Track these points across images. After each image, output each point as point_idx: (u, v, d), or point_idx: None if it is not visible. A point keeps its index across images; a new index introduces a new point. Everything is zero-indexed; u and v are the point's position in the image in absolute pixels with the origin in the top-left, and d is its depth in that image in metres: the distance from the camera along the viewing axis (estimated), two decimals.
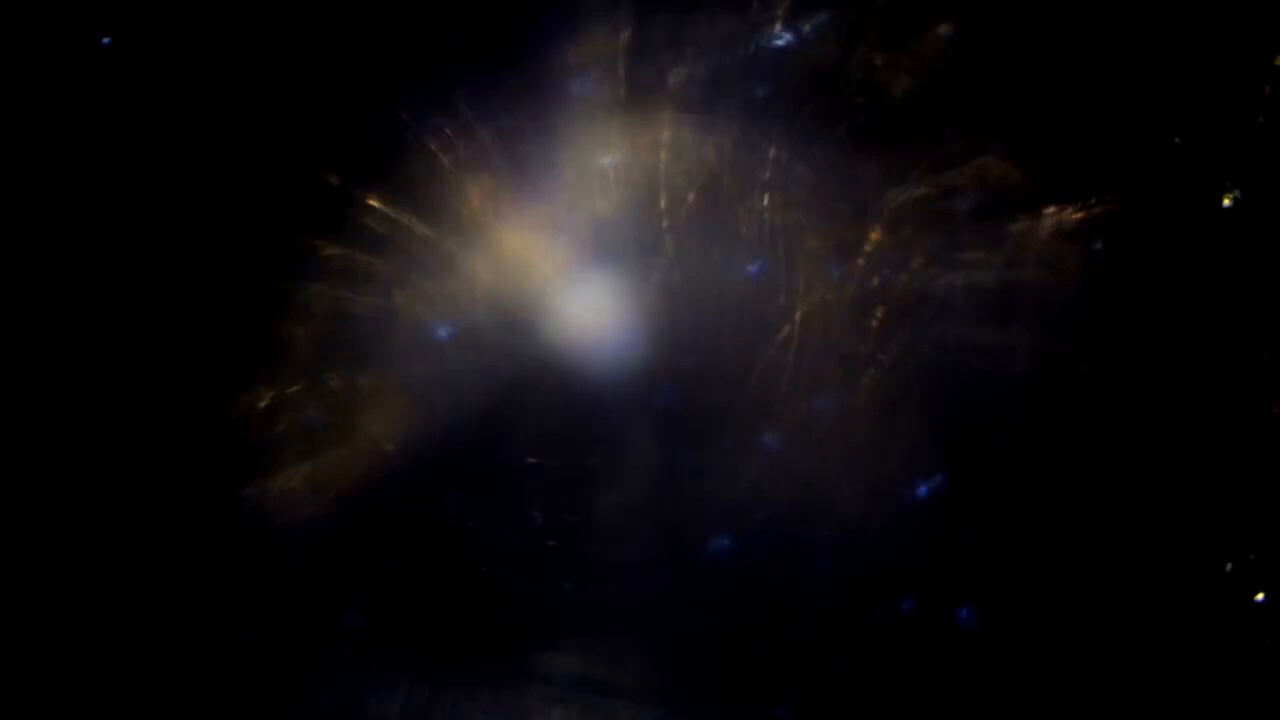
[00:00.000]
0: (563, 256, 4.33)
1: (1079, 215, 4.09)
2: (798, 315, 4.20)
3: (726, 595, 4.15)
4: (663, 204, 4.29)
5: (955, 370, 4.08)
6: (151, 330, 4.40)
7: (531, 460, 4.31)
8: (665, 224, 4.29)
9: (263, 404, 4.30)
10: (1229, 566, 3.93)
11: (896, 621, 4.10)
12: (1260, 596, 3.86)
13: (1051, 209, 4.11)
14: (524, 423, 4.30)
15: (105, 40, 4.43)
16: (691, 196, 4.27)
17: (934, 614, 4.06)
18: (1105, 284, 4.10)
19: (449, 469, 4.31)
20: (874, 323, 4.16)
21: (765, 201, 4.24)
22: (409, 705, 4.24)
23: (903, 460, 4.07)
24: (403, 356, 4.34)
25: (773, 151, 4.22)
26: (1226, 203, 4.02)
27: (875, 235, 4.16)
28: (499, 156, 4.35)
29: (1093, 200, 4.10)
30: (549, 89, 4.33)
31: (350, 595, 4.30)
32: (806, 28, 4.21)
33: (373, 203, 4.36)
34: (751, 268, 4.24)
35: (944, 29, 4.15)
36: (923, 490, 4.07)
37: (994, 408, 4.07)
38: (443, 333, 4.35)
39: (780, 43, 4.22)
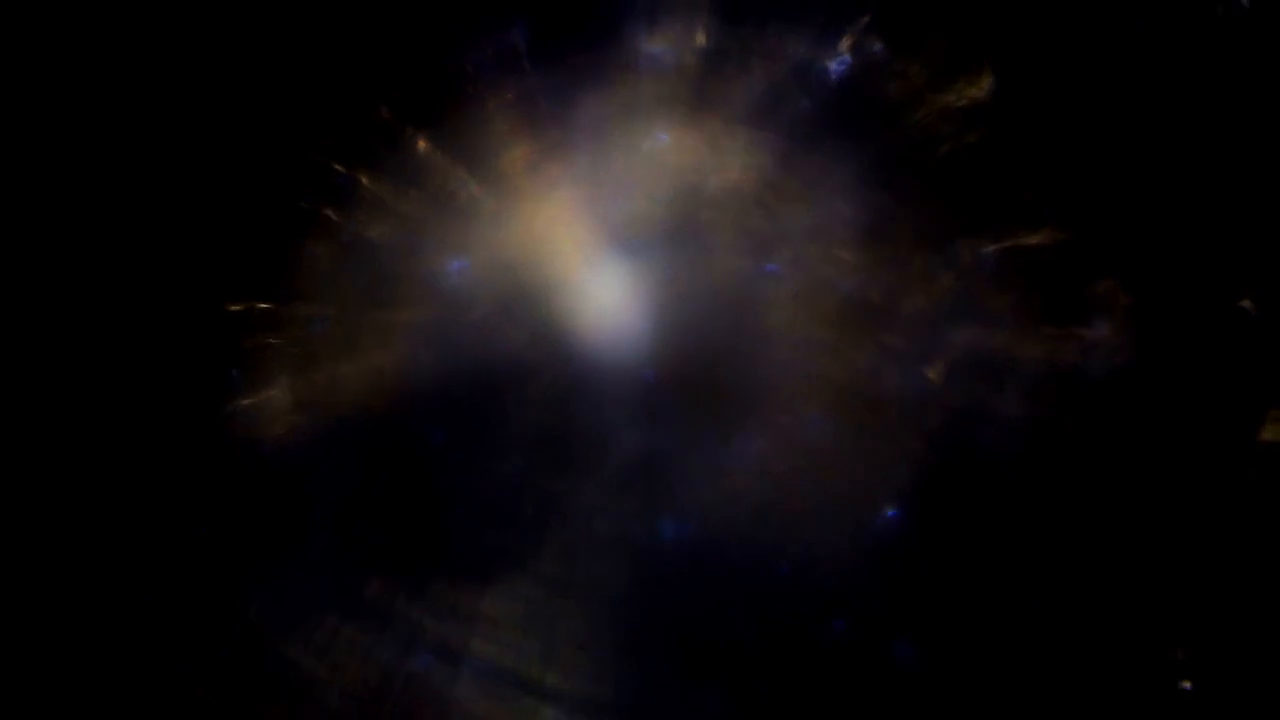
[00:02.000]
0: (589, 233, 4.38)
1: (1104, 289, 4.17)
2: (805, 336, 4.28)
3: (685, 585, 4.23)
4: (696, 204, 4.35)
5: (945, 418, 4.17)
6: (168, 227, 4.44)
7: (517, 422, 4.36)
8: (694, 223, 4.35)
9: (264, 307, 4.34)
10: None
11: (839, 633, 4.18)
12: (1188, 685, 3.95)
13: (1079, 283, 4.19)
14: (517, 384, 4.35)
15: None
16: (726, 201, 4.33)
17: (873, 635, 4.16)
18: (1117, 364, 4.18)
19: (435, 408, 4.35)
20: (876, 358, 4.24)
21: (795, 221, 4.31)
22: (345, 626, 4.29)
23: (872, 488, 4.16)
24: (414, 295, 4.38)
25: (814, 174, 4.29)
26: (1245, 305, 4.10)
27: (898, 277, 4.23)
28: (553, 126, 4.39)
29: (1120, 281, 4.18)
30: (615, 72, 4.38)
31: (319, 508, 4.34)
32: (870, 59, 4.28)
33: (421, 144, 4.40)
34: (768, 284, 4.31)
35: (999, 89, 4.22)
36: (885, 518, 4.15)
37: (978, 455, 4.16)
38: (457, 282, 4.39)
39: (842, 69, 4.29)
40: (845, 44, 4.30)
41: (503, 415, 4.39)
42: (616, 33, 4.39)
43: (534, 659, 4.26)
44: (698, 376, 4.35)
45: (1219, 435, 4.09)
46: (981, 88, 4.23)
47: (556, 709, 4.23)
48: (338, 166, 4.39)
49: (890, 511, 4.14)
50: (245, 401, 4.36)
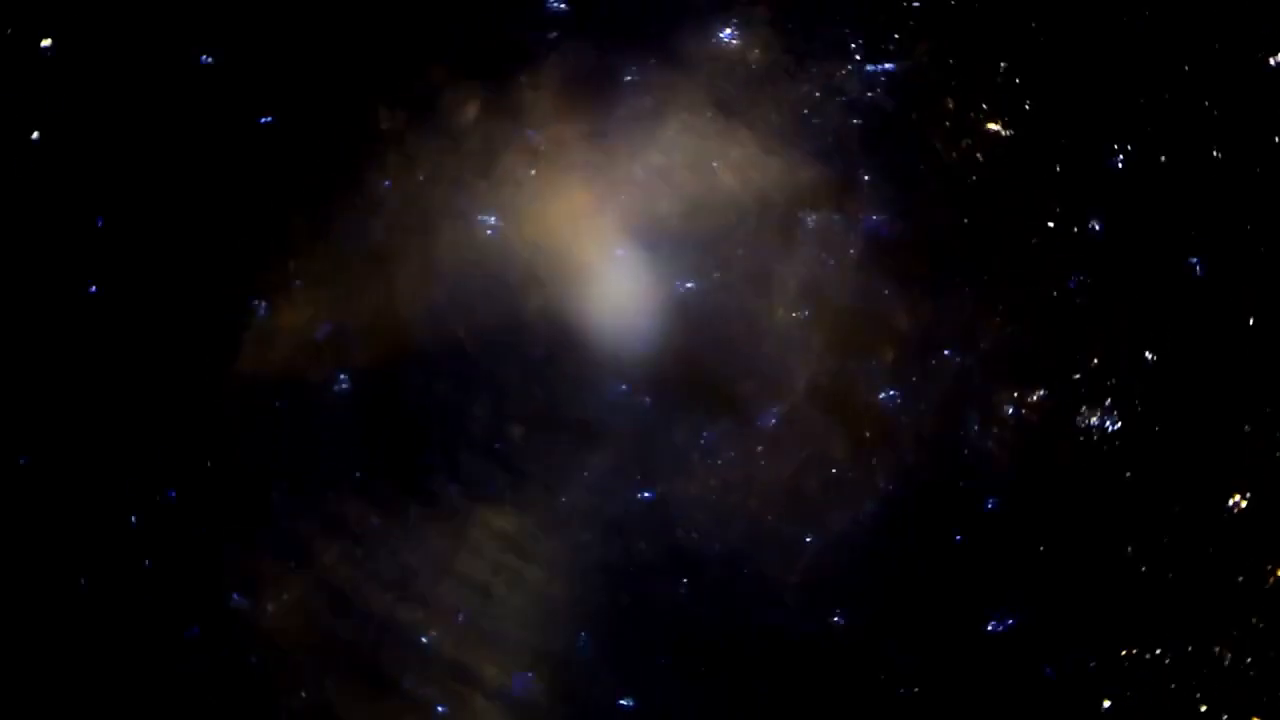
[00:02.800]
0: (616, 217, 4.45)
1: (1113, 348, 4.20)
2: (808, 340, 4.33)
3: (656, 560, 4.28)
4: (726, 204, 4.41)
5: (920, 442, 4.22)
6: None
7: (518, 392, 4.42)
8: (721, 222, 4.41)
9: (298, 232, 4.44)
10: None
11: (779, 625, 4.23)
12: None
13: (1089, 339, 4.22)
14: (527, 356, 4.42)
15: None
16: (755, 204, 4.39)
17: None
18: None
19: (441, 361, 4.41)
20: (869, 372, 4.29)
21: (818, 230, 4.36)
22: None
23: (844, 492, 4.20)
24: (442, 249, 4.46)
25: (843, 189, 4.35)
26: None
27: (906, 300, 4.28)
28: (597, 109, 4.47)
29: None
30: (665, 68, 4.47)
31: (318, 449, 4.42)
32: (915, 88, 4.34)
33: (470, 107, 4.48)
34: (782, 287, 4.37)
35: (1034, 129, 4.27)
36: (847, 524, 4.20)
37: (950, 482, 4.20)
38: (486, 242, 4.46)
39: (887, 95, 4.36)
40: (894, 70, 4.38)
41: (505, 383, 4.47)
42: (672, 30, 4.49)
43: (498, 615, 4.33)
44: (701, 370, 4.42)
45: (1195, 499, 4.14)
46: (1015, 126, 4.31)
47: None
48: (387, 116, 4.49)
49: (854, 518, 4.20)
50: (263, 329, 4.46)
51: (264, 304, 4.44)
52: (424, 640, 4.31)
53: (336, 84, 4.50)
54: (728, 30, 4.49)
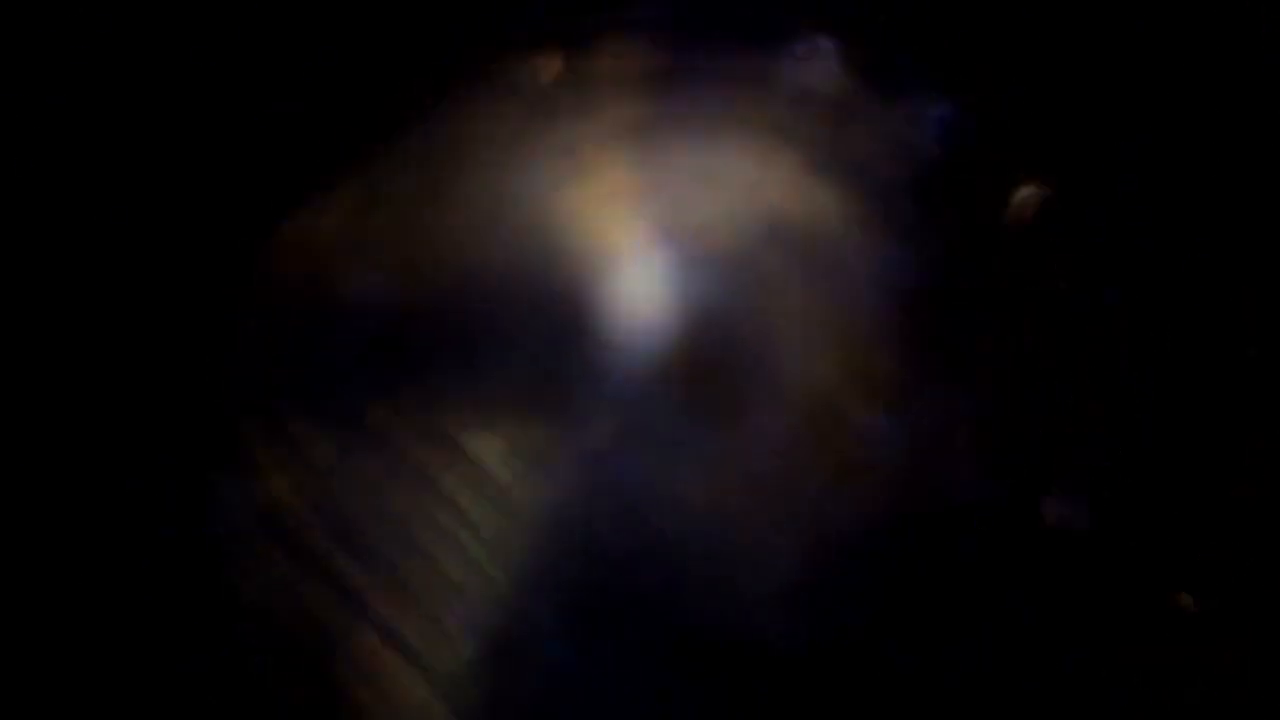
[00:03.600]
0: (651, 216, 4.57)
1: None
2: (810, 364, 4.42)
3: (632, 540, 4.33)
4: (757, 226, 4.52)
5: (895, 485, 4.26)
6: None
7: (516, 365, 4.52)
8: (749, 242, 4.51)
9: (348, 149, 4.59)
10: None
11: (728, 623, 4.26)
12: None
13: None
14: (533, 312, 4.51)
15: None
16: (787, 232, 4.50)
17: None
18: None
19: (449, 311, 4.52)
20: (865, 407, 4.36)
21: (842, 265, 4.46)
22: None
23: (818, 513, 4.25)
24: (478, 201, 4.60)
25: (878, 229, 4.45)
26: None
27: (918, 346, 4.36)
28: (662, 108, 4.61)
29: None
30: (743, 86, 4.59)
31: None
32: (965, 143, 4.44)
33: (545, 74, 4.63)
34: (795, 308, 4.46)
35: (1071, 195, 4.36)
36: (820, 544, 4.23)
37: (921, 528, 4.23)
38: (527, 199, 4.59)
39: (935, 146, 4.47)
40: (951, 118, 4.49)
41: (514, 340, 4.57)
42: (750, 44, 4.63)
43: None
44: (704, 370, 4.51)
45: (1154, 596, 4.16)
46: (1058, 195, 4.39)
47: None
48: (457, 60, 4.65)
49: (825, 535, 4.26)
50: (292, 232, 4.59)
51: (297, 209, 4.63)
52: (369, 577, 4.40)
53: (415, 23, 4.69)
54: (800, 56, 4.63)
